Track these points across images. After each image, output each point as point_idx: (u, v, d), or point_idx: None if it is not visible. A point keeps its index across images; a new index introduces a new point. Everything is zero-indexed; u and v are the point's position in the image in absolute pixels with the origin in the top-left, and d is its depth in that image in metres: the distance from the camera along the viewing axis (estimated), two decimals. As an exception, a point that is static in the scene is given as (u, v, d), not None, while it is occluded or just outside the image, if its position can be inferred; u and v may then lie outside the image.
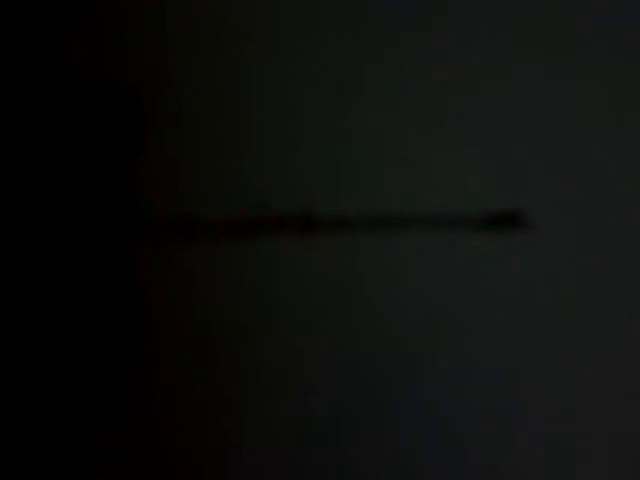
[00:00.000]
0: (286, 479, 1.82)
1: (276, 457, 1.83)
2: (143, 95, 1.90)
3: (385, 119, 1.88)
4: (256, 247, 1.87)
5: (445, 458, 1.80)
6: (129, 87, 1.89)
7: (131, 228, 1.87)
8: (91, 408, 1.84)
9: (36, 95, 1.86)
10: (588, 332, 1.81)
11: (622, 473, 1.78)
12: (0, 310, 1.82)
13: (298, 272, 1.86)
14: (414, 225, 1.85)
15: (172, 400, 1.85)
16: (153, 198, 1.89)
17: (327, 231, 1.86)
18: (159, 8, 1.91)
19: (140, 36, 1.91)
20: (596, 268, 1.81)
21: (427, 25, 1.87)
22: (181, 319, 1.86)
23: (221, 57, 1.91)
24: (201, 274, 1.87)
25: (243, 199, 1.88)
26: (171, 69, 1.91)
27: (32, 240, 1.84)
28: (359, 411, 1.83)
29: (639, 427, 1.78)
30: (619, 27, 1.84)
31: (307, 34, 1.89)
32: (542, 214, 1.83)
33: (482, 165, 1.85)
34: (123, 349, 1.85)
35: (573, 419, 1.79)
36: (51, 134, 1.87)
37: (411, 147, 1.87)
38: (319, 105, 1.89)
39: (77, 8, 1.91)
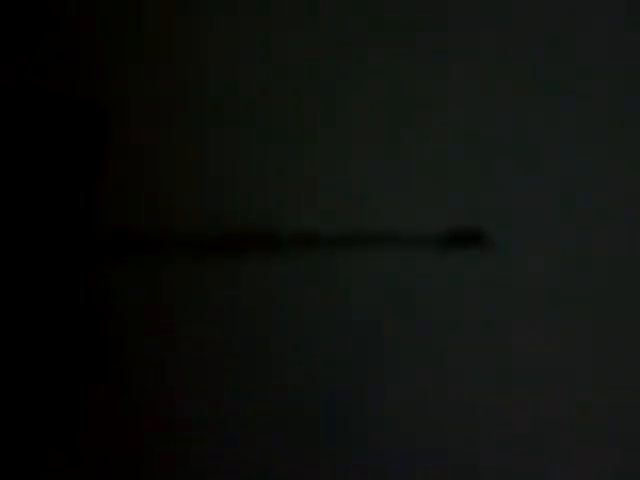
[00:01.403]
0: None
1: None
2: (109, 108, 1.89)
3: (351, 138, 1.89)
4: (221, 263, 1.87)
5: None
6: (95, 100, 1.89)
7: (93, 242, 1.87)
8: (51, 419, 1.83)
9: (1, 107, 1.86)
10: (552, 347, 1.82)
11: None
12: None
13: (263, 288, 1.86)
14: (378, 242, 1.85)
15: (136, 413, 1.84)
16: (116, 212, 1.88)
17: (291, 247, 1.86)
18: (125, 23, 1.92)
19: (107, 50, 1.91)
20: (559, 284, 1.83)
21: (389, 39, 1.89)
22: (143, 333, 1.86)
23: (186, 74, 1.91)
24: (165, 289, 1.87)
25: (207, 216, 1.88)
26: (137, 83, 1.91)
27: None
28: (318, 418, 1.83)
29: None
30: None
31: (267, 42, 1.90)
32: (505, 232, 1.84)
33: (448, 184, 1.87)
34: (81, 364, 1.84)
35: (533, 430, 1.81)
36: (14, 144, 1.86)
37: (377, 165, 1.88)
38: (286, 122, 1.90)
39: (46, 22, 1.91)
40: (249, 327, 1.86)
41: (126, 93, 1.91)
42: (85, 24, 1.92)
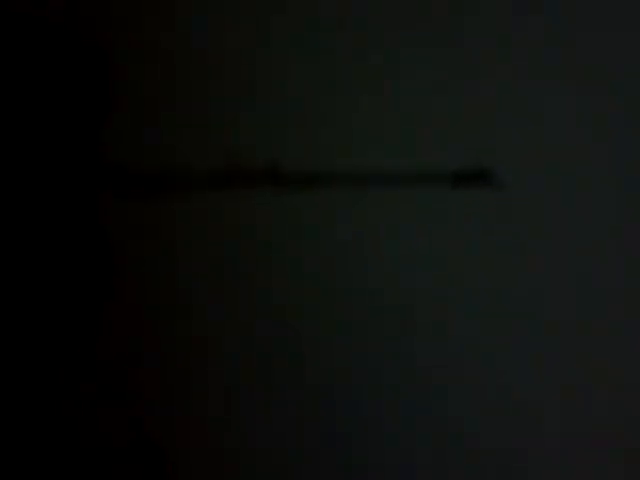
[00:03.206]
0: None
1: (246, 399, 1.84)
2: (117, 48, 1.90)
3: (356, 77, 1.88)
4: (225, 200, 1.87)
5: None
6: (102, 40, 1.89)
7: (101, 180, 1.87)
8: (63, 353, 1.84)
9: (7, 42, 1.86)
10: (558, 289, 1.81)
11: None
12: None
13: (266, 226, 1.86)
14: (384, 182, 1.85)
15: (142, 353, 1.85)
16: (124, 151, 1.89)
17: (295, 186, 1.86)
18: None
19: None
20: (565, 224, 1.81)
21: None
22: (150, 270, 1.87)
23: (198, 12, 1.91)
24: (169, 226, 1.87)
25: (214, 153, 1.88)
26: (146, 23, 1.91)
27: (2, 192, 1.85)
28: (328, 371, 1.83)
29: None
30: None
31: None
32: (511, 171, 1.83)
33: (451, 122, 1.85)
34: (91, 298, 1.85)
35: (556, 391, 1.80)
36: (21, 83, 1.87)
37: (381, 104, 1.87)
38: (292, 62, 1.89)
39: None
40: (249, 264, 1.86)
41: (135, 35, 1.91)
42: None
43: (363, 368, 1.82)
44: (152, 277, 1.87)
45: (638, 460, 1.75)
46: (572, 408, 1.78)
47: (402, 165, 1.85)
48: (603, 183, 1.81)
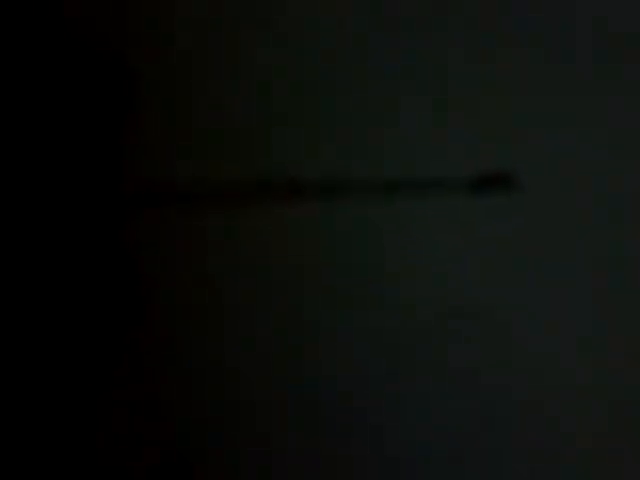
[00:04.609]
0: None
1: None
2: (136, 58, 1.88)
3: (372, 84, 1.87)
4: (247, 213, 1.86)
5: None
6: (121, 49, 1.87)
7: (121, 193, 1.86)
8: (91, 377, 1.83)
9: (26, 48, 1.84)
10: (581, 291, 1.81)
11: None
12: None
13: (285, 238, 1.86)
14: (404, 189, 1.84)
15: (169, 368, 1.84)
16: (143, 163, 1.87)
17: (314, 196, 1.85)
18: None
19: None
20: (586, 229, 1.81)
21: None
22: (175, 285, 1.85)
23: (214, 19, 1.90)
24: (191, 240, 1.86)
25: (233, 164, 1.87)
26: (164, 32, 1.89)
27: (18, 204, 1.82)
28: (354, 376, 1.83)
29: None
30: None
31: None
32: (533, 175, 1.83)
33: (472, 127, 1.85)
34: (119, 316, 1.83)
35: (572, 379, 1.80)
36: (39, 91, 1.84)
37: (398, 110, 1.86)
38: (307, 72, 1.88)
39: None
40: (266, 273, 1.85)
41: (155, 44, 1.89)
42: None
43: (379, 375, 1.82)
44: (180, 291, 1.85)
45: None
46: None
47: (420, 171, 1.85)
48: (622, 186, 1.82)
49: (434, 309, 1.82)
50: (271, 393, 1.83)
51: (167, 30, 1.88)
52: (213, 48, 1.89)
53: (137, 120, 1.86)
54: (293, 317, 1.84)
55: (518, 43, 1.85)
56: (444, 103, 1.86)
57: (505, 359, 1.80)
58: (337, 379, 1.82)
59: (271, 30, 1.88)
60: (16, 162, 1.82)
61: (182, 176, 1.86)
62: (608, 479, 1.76)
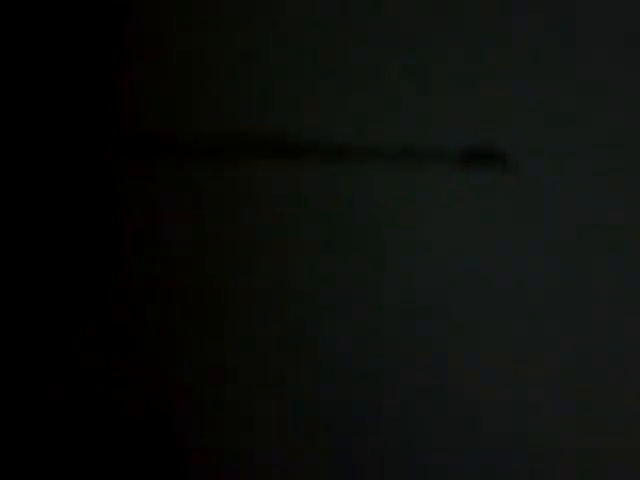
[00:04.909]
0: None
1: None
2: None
3: (370, 53, 1.86)
4: (239, 169, 1.85)
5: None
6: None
7: (112, 141, 1.84)
8: (67, 317, 1.83)
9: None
10: (570, 267, 1.80)
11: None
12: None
13: (280, 197, 1.85)
14: (396, 158, 1.83)
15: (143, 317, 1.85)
16: (135, 113, 1.86)
17: (310, 159, 1.84)
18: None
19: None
20: (576, 204, 1.80)
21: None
22: (159, 239, 1.85)
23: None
24: (176, 193, 1.86)
25: (230, 121, 1.87)
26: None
27: (8, 149, 1.82)
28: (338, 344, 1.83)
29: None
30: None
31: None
32: (521, 150, 1.82)
33: (463, 102, 1.84)
34: (98, 261, 1.83)
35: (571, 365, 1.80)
36: (30, 38, 1.83)
37: (394, 81, 1.86)
38: (308, 36, 1.87)
39: None
40: (264, 231, 1.85)
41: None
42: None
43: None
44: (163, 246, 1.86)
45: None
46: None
47: (412, 142, 1.84)
48: (618, 169, 1.80)
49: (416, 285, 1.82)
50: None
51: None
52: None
53: (126, 71, 1.85)
54: (276, 282, 1.83)
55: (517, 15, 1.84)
56: (442, 74, 1.85)
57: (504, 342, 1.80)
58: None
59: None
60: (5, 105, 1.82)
61: (180, 128, 1.86)
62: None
